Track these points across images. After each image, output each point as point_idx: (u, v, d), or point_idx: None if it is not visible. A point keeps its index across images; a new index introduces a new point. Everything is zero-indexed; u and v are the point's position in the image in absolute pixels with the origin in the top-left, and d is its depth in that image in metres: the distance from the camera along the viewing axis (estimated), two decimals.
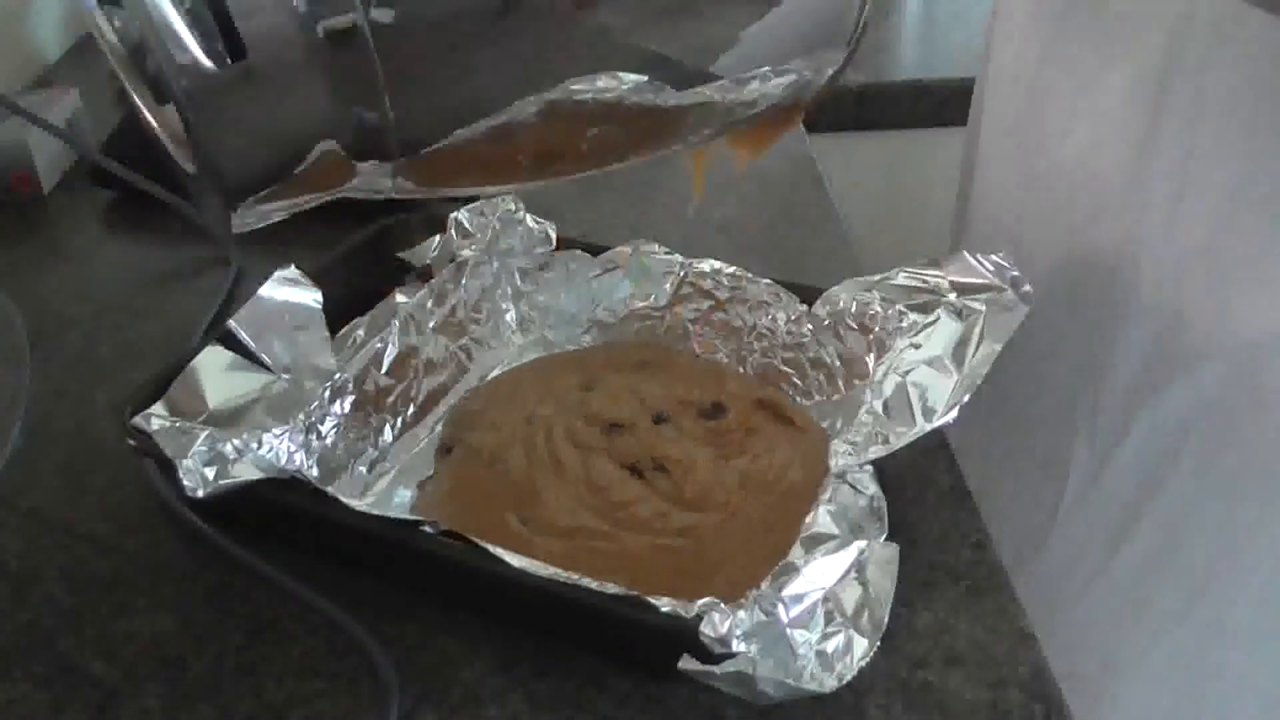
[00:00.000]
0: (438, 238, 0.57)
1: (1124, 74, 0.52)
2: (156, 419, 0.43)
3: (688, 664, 0.34)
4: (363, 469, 0.48)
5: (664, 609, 0.35)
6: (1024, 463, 0.62)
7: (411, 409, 0.51)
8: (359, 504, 0.40)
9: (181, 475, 0.40)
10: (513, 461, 0.46)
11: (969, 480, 0.47)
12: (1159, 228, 0.51)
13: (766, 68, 0.38)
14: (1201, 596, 0.55)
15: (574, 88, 0.35)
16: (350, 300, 0.52)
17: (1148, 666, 0.57)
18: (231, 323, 0.47)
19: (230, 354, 0.47)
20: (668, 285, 0.55)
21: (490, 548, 0.38)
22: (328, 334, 0.49)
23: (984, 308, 0.46)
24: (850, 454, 0.41)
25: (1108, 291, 0.54)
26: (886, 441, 0.41)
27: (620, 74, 0.36)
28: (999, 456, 0.64)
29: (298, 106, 0.34)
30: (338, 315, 0.51)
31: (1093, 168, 0.55)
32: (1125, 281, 0.53)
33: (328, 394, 0.47)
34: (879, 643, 0.35)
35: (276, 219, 0.36)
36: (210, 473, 0.40)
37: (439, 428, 0.51)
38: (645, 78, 0.36)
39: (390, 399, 0.50)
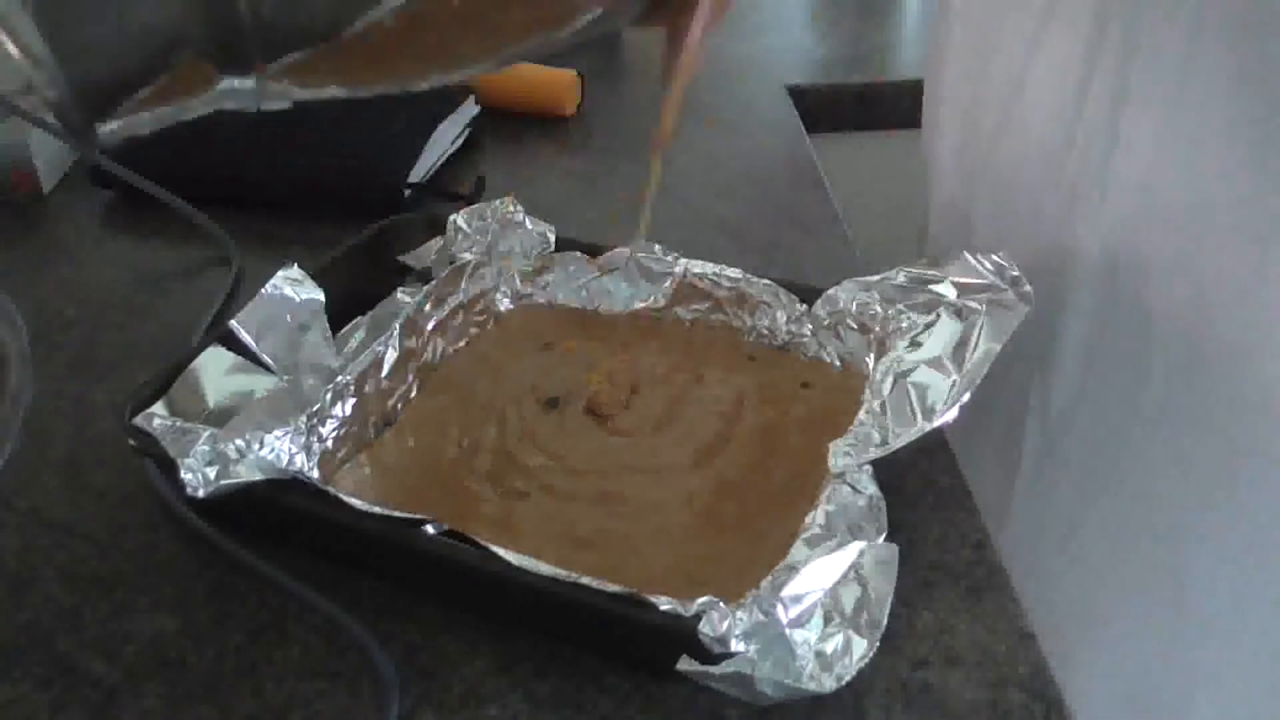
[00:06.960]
0: (437, 240, 0.56)
1: (1059, 36, 0.52)
2: (158, 419, 0.43)
3: (687, 664, 0.34)
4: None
5: (663, 607, 0.35)
6: (981, 446, 0.62)
7: None
8: (360, 504, 0.40)
9: (183, 475, 0.40)
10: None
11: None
12: (1092, 194, 0.51)
13: None
14: (1157, 577, 0.54)
15: None
16: (350, 301, 0.52)
17: (1107, 653, 0.57)
18: (233, 323, 0.47)
19: (231, 354, 0.47)
20: (667, 285, 0.55)
21: (491, 547, 0.38)
22: (330, 334, 0.49)
23: (984, 308, 0.46)
24: (850, 454, 0.41)
25: (1052, 271, 0.54)
26: (886, 442, 0.42)
27: None
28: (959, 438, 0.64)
29: (148, 9, 0.31)
30: (337, 315, 0.51)
31: (1034, 137, 0.55)
32: (1066, 260, 0.53)
33: (329, 396, 0.47)
34: (878, 643, 0.35)
35: (145, 132, 0.33)
36: (211, 473, 0.40)
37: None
38: None
39: (391, 401, 0.50)
